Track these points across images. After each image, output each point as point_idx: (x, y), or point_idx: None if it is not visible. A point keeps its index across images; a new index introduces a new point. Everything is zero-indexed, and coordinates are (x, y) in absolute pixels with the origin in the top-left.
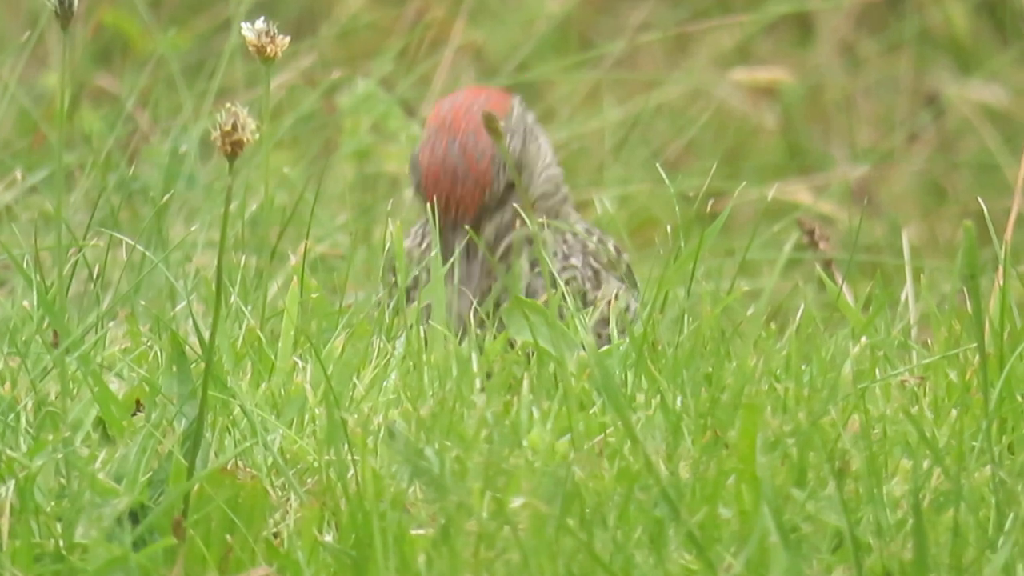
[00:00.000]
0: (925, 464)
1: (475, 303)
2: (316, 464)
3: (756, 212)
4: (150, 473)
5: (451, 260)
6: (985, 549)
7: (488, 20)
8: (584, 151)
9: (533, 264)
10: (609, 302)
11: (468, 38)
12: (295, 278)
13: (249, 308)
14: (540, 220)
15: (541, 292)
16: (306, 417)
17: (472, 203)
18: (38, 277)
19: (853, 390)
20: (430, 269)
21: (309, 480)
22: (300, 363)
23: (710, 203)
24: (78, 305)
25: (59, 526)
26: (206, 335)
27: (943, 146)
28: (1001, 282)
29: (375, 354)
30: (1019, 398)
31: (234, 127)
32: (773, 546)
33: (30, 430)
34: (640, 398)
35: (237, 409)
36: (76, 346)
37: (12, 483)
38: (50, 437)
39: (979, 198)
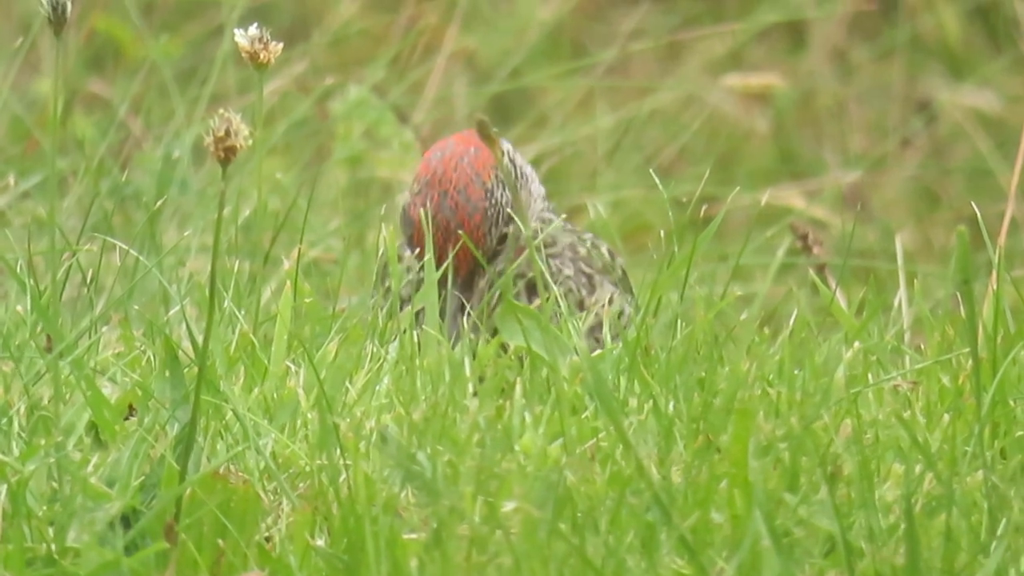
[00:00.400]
0: (917, 469)
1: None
2: (308, 468)
3: (749, 217)
4: (142, 477)
5: (443, 267)
6: (978, 554)
7: (481, 27)
8: (577, 157)
9: (531, 293)
10: (603, 307)
11: (460, 45)
12: (288, 283)
13: (242, 313)
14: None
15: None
16: (298, 421)
17: (465, 261)
18: (32, 282)
19: (846, 395)
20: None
21: (301, 484)
22: (293, 368)
23: (703, 208)
24: (71, 310)
25: (51, 530)
26: (199, 340)
27: (936, 152)
28: (994, 287)
29: (368, 358)
30: (1011, 403)
31: (227, 133)
32: (765, 550)
33: (23, 434)
34: (633, 402)
35: (230, 413)
36: (69, 350)
37: (5, 487)
38: (43, 441)
39: (972, 203)
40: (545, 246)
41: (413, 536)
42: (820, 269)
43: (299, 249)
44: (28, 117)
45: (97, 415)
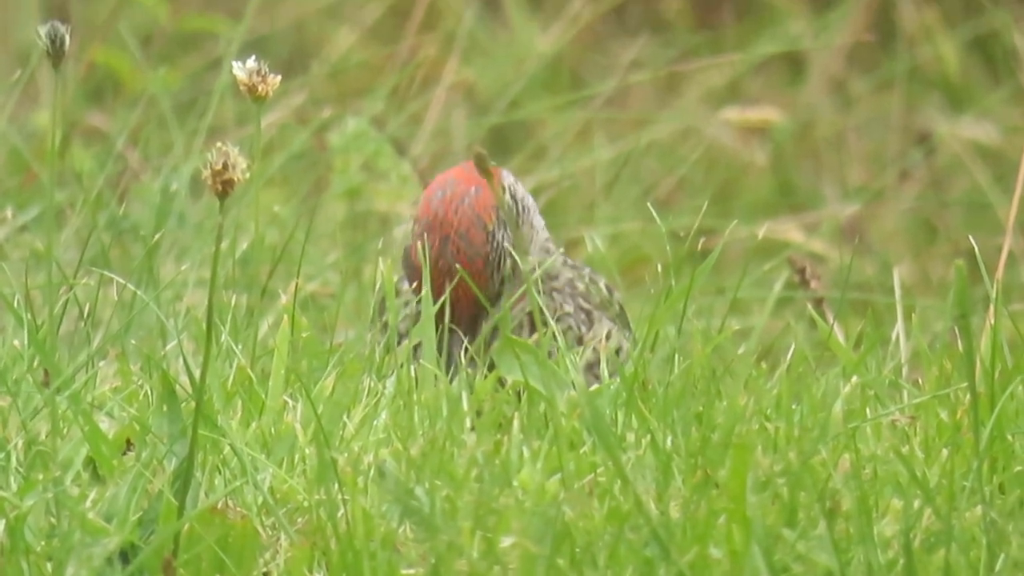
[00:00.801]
0: (916, 504)
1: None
2: (306, 503)
3: (747, 250)
4: (140, 512)
5: (440, 300)
6: None
7: (479, 59)
8: (575, 189)
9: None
10: (600, 342)
11: (459, 76)
12: (285, 317)
13: (239, 347)
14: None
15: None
16: (296, 456)
17: (467, 305)
18: (29, 316)
19: (844, 429)
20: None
21: (299, 519)
22: (290, 402)
23: (701, 241)
24: (68, 344)
25: (50, 565)
26: (196, 374)
27: (934, 184)
28: (992, 321)
29: (365, 393)
30: (1010, 438)
31: (225, 166)
32: None
33: (21, 469)
34: (630, 437)
35: (227, 448)
36: (66, 385)
37: (3, 522)
38: (41, 476)
39: (970, 236)
40: (549, 278)
41: (411, 571)
42: (818, 303)
43: (296, 283)
44: (26, 149)
45: (95, 450)
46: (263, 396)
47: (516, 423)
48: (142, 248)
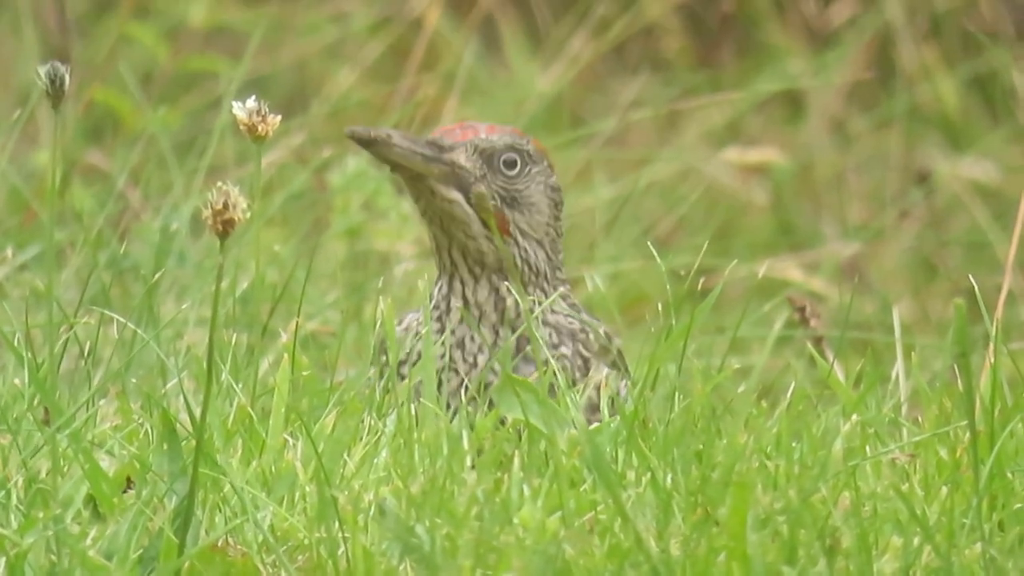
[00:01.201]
0: (916, 541)
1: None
2: (307, 541)
3: (747, 289)
4: (141, 550)
5: (442, 339)
6: None
7: (479, 98)
8: (575, 228)
9: (519, 347)
10: (598, 386)
11: (459, 116)
12: (286, 355)
13: (240, 386)
14: (531, 298)
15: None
16: (297, 494)
17: (465, 133)
18: (29, 354)
19: (844, 467)
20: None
21: (300, 557)
22: (291, 440)
23: (701, 280)
24: (69, 382)
25: None
26: (197, 412)
27: (934, 223)
28: (992, 359)
29: (366, 431)
30: (1009, 475)
31: (225, 206)
32: None
33: (21, 507)
34: (631, 475)
35: (228, 486)
36: (67, 423)
37: (3, 560)
38: (41, 514)
39: (970, 275)
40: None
41: None
42: (818, 341)
43: (297, 322)
44: (26, 188)
45: (95, 488)
46: (263, 434)
47: (517, 461)
48: (142, 287)
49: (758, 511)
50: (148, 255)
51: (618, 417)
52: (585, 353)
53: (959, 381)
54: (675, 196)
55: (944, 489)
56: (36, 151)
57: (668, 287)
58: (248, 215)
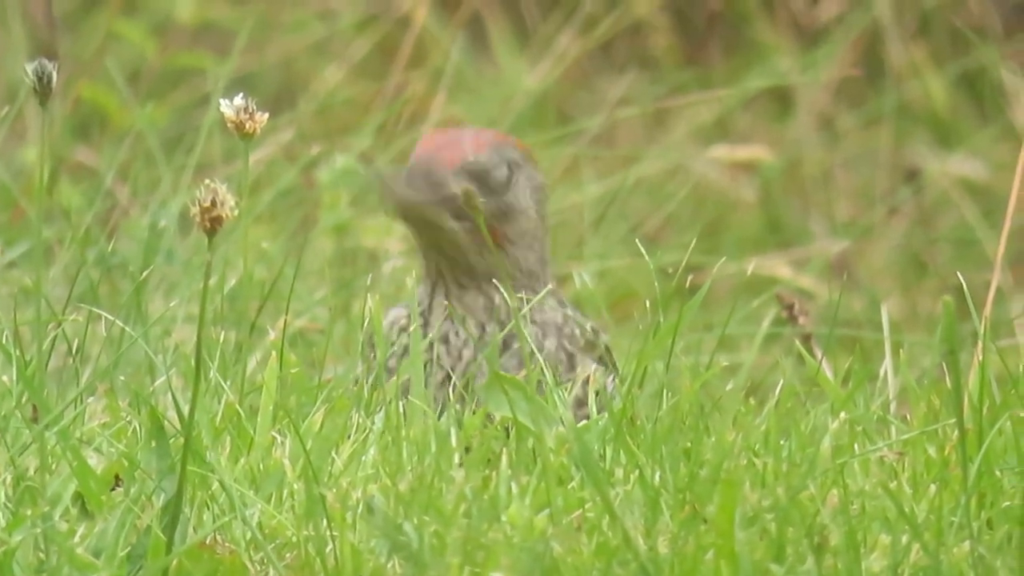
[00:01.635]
0: (904, 539)
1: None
2: (295, 539)
3: (735, 286)
4: (129, 548)
5: (429, 338)
6: None
7: (466, 95)
8: (563, 226)
9: (507, 344)
10: (585, 381)
11: (447, 113)
12: (274, 353)
13: (228, 383)
14: (520, 296)
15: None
16: (285, 492)
17: (453, 155)
18: (17, 352)
19: (832, 465)
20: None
21: (288, 555)
22: (279, 438)
23: (689, 278)
24: (57, 380)
25: None
26: (185, 410)
27: (922, 220)
28: (980, 357)
29: (354, 429)
30: (998, 473)
31: (213, 203)
32: None
33: (9, 505)
34: (619, 473)
35: (216, 484)
36: (55, 421)
37: None
38: (29, 512)
39: (958, 272)
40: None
41: None
42: (806, 339)
43: (285, 319)
44: (14, 186)
45: (83, 486)
46: (251, 432)
47: (504, 459)
48: (130, 284)
49: (746, 509)
50: (136, 252)
51: (606, 414)
52: (569, 347)
53: (947, 378)
54: (663, 193)
55: (932, 487)
56: (24, 148)
57: (656, 284)
58: (236, 212)
